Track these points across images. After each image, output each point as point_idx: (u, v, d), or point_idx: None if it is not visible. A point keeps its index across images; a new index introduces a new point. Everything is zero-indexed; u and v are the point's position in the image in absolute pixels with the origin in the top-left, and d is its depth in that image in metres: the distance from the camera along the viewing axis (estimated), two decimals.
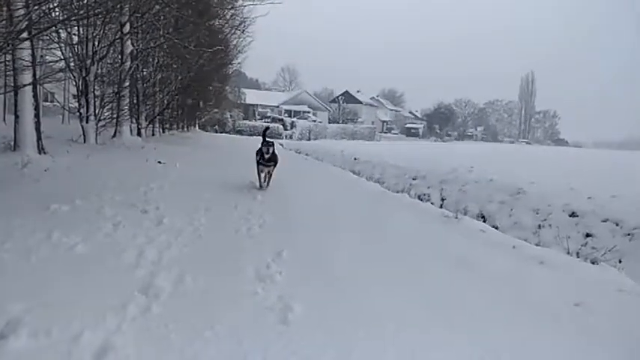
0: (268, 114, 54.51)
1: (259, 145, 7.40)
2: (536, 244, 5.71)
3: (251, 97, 55.89)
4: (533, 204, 7.11)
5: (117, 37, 12.37)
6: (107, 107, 12.68)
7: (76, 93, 12.36)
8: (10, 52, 7.28)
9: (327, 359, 2.35)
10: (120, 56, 13.09)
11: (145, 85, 16.51)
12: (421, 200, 8.66)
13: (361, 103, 69.40)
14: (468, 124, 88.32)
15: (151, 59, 16.62)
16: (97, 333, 2.35)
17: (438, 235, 5.45)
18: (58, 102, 18.38)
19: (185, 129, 27.22)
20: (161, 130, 20.52)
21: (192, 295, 2.96)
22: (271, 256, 3.85)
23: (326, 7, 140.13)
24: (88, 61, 11.37)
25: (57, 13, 8.62)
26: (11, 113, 9.32)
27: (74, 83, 12.11)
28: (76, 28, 10.96)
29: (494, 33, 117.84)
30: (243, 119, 48.45)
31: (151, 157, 10.33)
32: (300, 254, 4.04)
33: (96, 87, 11.95)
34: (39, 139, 8.79)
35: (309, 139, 40.03)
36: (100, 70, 12.09)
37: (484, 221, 7.04)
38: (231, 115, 45.00)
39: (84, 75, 11.41)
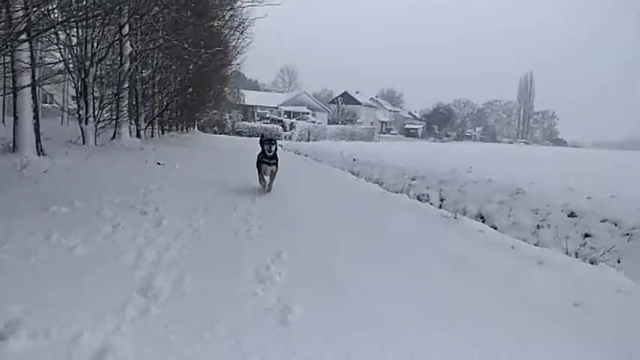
0: (267, 115, 54.52)
1: (260, 150, 7.11)
2: (535, 245, 5.71)
3: (250, 98, 55.92)
4: (532, 204, 7.12)
5: (116, 38, 12.38)
6: (106, 109, 12.68)
7: (75, 94, 12.34)
8: (9, 53, 7.29)
9: None
10: (119, 58, 13.08)
11: (144, 86, 16.51)
12: (420, 201, 8.66)
13: (360, 104, 69.49)
14: (467, 125, 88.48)
15: (150, 60, 16.61)
16: (96, 334, 2.35)
17: (437, 235, 5.45)
18: (57, 103, 18.43)
19: (184, 130, 27.22)
20: (160, 132, 20.51)
21: (191, 297, 2.96)
22: (270, 258, 3.85)
23: (325, 8, 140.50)
24: (87, 63, 11.37)
25: (56, 15, 8.62)
26: (10, 115, 9.34)
27: (73, 85, 12.12)
28: (75, 29, 10.94)
29: (493, 33, 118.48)
30: (243, 120, 48.44)
31: (150, 159, 10.34)
32: (300, 255, 4.04)
33: (95, 88, 11.94)
34: (38, 140, 8.79)
35: (308, 140, 40.04)
36: (99, 72, 12.09)
37: (483, 221, 7.04)
38: (230, 117, 44.98)
39: (83, 76, 11.41)
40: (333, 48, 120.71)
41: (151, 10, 13.03)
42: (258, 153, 7.21)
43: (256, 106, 57.25)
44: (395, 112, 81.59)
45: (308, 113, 57.78)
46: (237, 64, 29.66)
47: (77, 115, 11.90)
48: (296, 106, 59.12)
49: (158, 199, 5.98)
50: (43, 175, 6.92)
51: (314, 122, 51.95)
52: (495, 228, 6.62)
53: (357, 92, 71.94)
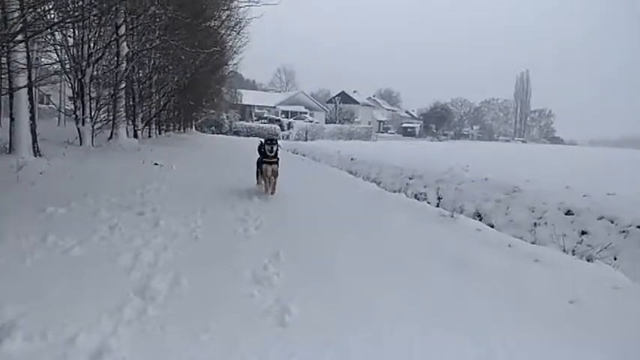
0: (265, 115, 54.48)
1: (260, 157, 6.85)
2: (532, 242, 5.74)
3: (248, 97, 55.82)
4: (529, 202, 7.13)
5: (112, 38, 12.34)
6: (103, 109, 12.64)
7: (71, 95, 12.32)
8: (5, 54, 7.26)
9: None
10: (116, 58, 13.06)
11: (141, 86, 16.47)
12: (418, 199, 8.67)
13: (358, 103, 69.47)
14: (464, 124, 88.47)
15: (146, 61, 16.57)
16: (92, 336, 2.35)
17: (435, 234, 5.45)
18: (53, 104, 18.35)
19: (182, 130, 27.19)
20: (157, 132, 20.49)
21: (188, 298, 2.96)
22: (268, 258, 3.85)
23: (325, 8, 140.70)
24: (84, 63, 11.34)
25: (52, 16, 8.59)
26: (7, 116, 9.28)
27: (70, 85, 12.09)
28: (72, 30, 10.91)
29: (492, 33, 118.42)
30: (240, 120, 48.37)
31: (148, 159, 10.32)
32: (297, 255, 4.04)
33: (92, 89, 11.91)
34: (34, 141, 8.77)
35: (305, 140, 39.97)
36: (95, 72, 12.05)
37: (480, 220, 7.06)
38: (227, 116, 44.92)
39: (79, 77, 11.38)
40: (332, 48, 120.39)
41: (147, 10, 12.99)
42: (258, 158, 6.95)
43: (254, 105, 57.17)
44: (392, 111, 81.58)
45: (305, 113, 57.73)
46: (235, 64, 29.58)
47: (74, 115, 11.87)
48: (293, 106, 59.07)
49: (155, 199, 5.97)
50: (40, 176, 6.90)
51: (311, 122, 51.91)
52: (492, 226, 6.64)
53: (354, 92, 71.92)
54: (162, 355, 2.27)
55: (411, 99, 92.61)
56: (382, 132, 67.99)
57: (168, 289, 3.05)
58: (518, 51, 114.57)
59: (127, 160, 10.27)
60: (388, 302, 3.12)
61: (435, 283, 3.64)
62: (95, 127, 12.01)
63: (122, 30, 12.51)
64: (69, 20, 8.34)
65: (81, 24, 10.13)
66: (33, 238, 3.83)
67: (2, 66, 7.71)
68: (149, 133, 18.79)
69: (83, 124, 11.53)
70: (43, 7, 7.02)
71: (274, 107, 58.10)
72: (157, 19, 14.10)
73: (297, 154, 20.47)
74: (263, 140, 6.97)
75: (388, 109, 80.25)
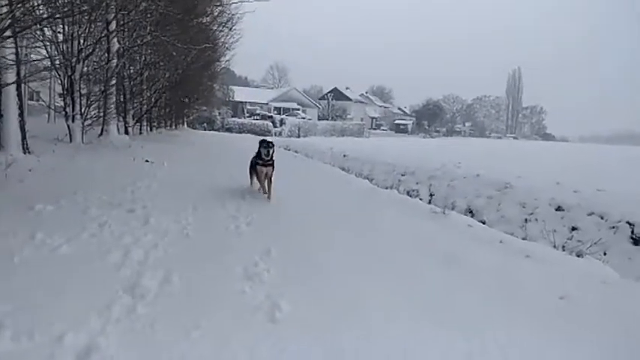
0: (257, 111, 54.29)
1: (255, 156, 6.62)
2: (524, 238, 5.77)
3: (240, 94, 55.63)
4: (520, 198, 7.17)
5: (103, 34, 12.22)
6: (94, 106, 12.52)
7: (61, 92, 12.19)
8: None
9: (315, 357, 2.35)
10: (106, 54, 12.93)
11: (132, 83, 16.34)
12: (410, 196, 8.69)
13: (350, 100, 69.51)
14: (457, 120, 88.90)
15: (137, 57, 16.44)
16: (80, 334, 2.32)
17: (426, 230, 5.46)
18: (43, 101, 18.18)
19: (173, 127, 27.04)
20: (149, 129, 20.36)
21: (178, 295, 2.94)
22: (259, 255, 3.84)
23: (320, 5, 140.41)
24: (74, 60, 11.22)
25: (41, 11, 8.49)
26: None
27: (60, 82, 11.96)
28: (61, 25, 10.79)
29: (492, 33, 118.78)
30: (232, 117, 48.19)
31: (139, 156, 10.25)
32: (289, 252, 4.03)
33: (82, 85, 11.79)
34: (24, 138, 8.66)
35: (298, 137, 39.97)
36: (86, 69, 11.93)
37: (472, 216, 7.09)
38: (219, 113, 44.74)
39: (69, 73, 11.26)
40: (329, 47, 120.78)
41: (138, 6, 12.87)
42: (252, 158, 6.76)
43: (246, 102, 57.00)
44: (385, 108, 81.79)
45: (298, 109, 57.62)
46: (227, 61, 29.46)
47: (64, 112, 11.74)
48: (286, 103, 58.96)
49: (146, 197, 5.93)
50: (29, 173, 6.83)
51: (304, 118, 51.83)
52: (484, 222, 6.67)
53: (347, 88, 71.92)
54: (152, 353, 2.25)
55: (404, 96, 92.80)
56: (375, 129, 68.15)
57: (159, 286, 3.03)
58: (513, 50, 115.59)
59: (118, 157, 10.20)
60: (379, 298, 3.12)
61: (426, 279, 3.65)
62: (85, 123, 11.89)
63: (113, 26, 12.39)
64: (58, 16, 8.25)
65: (71, 19, 10.03)
66: (21, 235, 3.78)
67: None
68: (140, 129, 18.66)
69: (73, 121, 11.41)
70: (31, 2, 6.95)
71: (266, 104, 57.96)
72: (148, 15, 14.00)
73: (289, 150, 20.43)
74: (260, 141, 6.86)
75: (381, 106, 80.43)
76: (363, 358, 2.39)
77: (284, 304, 2.84)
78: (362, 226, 5.46)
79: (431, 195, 8.89)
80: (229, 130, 42.37)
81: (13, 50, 8.06)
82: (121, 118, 15.62)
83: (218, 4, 19.65)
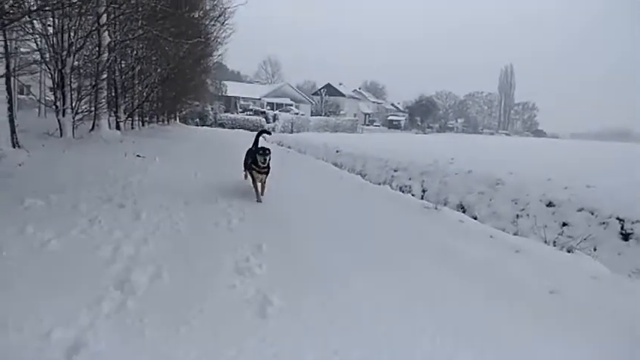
0: (250, 107, 54.12)
1: (252, 147, 6.57)
2: (515, 234, 5.81)
3: (233, 89, 55.43)
4: (511, 194, 7.20)
5: (94, 28, 12.09)
6: (84, 100, 12.42)
7: (52, 86, 12.07)
8: None
9: (304, 351, 2.34)
10: (97, 48, 12.81)
11: (123, 77, 16.23)
12: (403, 192, 8.71)
13: (343, 95, 69.49)
14: (449, 116, 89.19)
15: (129, 51, 16.33)
16: (69, 330, 2.30)
17: (418, 226, 5.48)
18: (33, 95, 17.99)
19: (165, 122, 26.93)
20: (140, 124, 20.25)
21: (169, 290, 2.93)
22: (251, 250, 3.82)
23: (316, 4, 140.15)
24: (64, 53, 11.11)
25: (31, 3, 8.38)
26: None
27: (50, 75, 11.84)
28: (51, 18, 10.67)
29: (480, 29, 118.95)
30: (225, 112, 48.04)
31: (130, 151, 10.18)
32: (280, 247, 4.02)
33: (72, 79, 11.69)
34: (13, 132, 8.56)
35: (291, 132, 39.86)
36: (76, 62, 11.81)
37: (464, 212, 7.12)
38: (212, 108, 44.57)
39: (60, 67, 11.15)
40: (318, 41, 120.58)
41: (129, 0, 12.77)
42: (247, 151, 6.67)
43: (239, 97, 56.80)
44: (378, 104, 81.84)
45: (291, 105, 57.52)
46: (219, 55, 29.34)
47: (54, 106, 11.64)
48: (279, 98, 58.82)
49: (137, 192, 5.89)
50: (18, 168, 6.76)
51: (297, 114, 51.73)
52: (475, 218, 6.70)
53: (340, 84, 71.89)
54: (141, 348, 2.24)
55: (397, 92, 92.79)
56: (368, 124, 68.23)
57: (149, 281, 3.01)
58: (505, 47, 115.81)
59: (109, 152, 10.13)
60: (370, 293, 3.13)
61: (417, 273, 3.66)
62: (76, 118, 11.79)
63: (104, 19, 12.26)
64: (48, 8, 8.13)
65: (61, 12, 9.91)
66: (10, 230, 3.74)
67: None
68: (132, 124, 18.55)
69: (64, 115, 11.30)
70: None
71: (259, 99, 57.78)
72: (140, 9, 13.86)
73: (282, 146, 20.40)
74: (258, 132, 6.85)
75: (374, 102, 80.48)
76: (352, 350, 2.39)
77: (275, 299, 2.84)
78: (355, 222, 5.47)
79: (423, 191, 8.91)
80: (222, 125, 42.25)
81: (2, 43, 7.97)
82: (112, 113, 15.51)
83: None
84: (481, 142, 28.44)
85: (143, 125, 20.53)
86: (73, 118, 11.61)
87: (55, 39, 11.02)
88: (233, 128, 39.22)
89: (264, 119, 44.76)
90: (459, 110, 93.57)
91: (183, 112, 35.36)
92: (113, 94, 15.42)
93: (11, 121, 8.49)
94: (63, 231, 3.87)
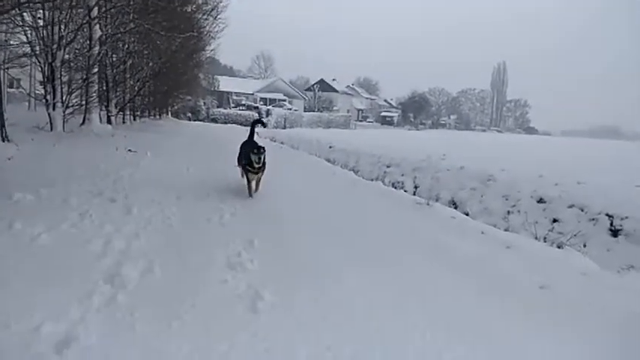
0: (243, 102, 53.86)
1: (247, 141, 6.43)
2: (506, 230, 5.83)
3: (225, 84, 55.15)
4: (503, 190, 7.23)
5: (85, 21, 11.98)
6: (75, 94, 12.33)
7: (42, 79, 11.95)
8: None
9: (297, 347, 2.34)
10: (88, 41, 12.69)
11: (114, 71, 16.10)
12: (395, 188, 8.72)
13: (337, 91, 69.42)
14: (442, 113, 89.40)
15: (120, 45, 16.21)
16: (59, 324, 2.29)
17: (411, 222, 5.49)
18: (23, 88, 17.80)
19: (157, 117, 26.76)
20: (132, 118, 20.13)
21: (160, 285, 2.92)
22: (243, 245, 3.82)
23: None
24: (55, 46, 10.99)
25: None
26: None
27: (40, 69, 11.72)
28: (41, 11, 10.55)
29: (473, 26, 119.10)
30: (218, 107, 47.80)
31: (121, 146, 10.12)
32: (272, 242, 4.02)
33: (63, 73, 11.58)
34: (2, 126, 8.48)
35: (284, 128, 39.77)
36: (67, 56, 11.72)
37: (456, 208, 7.14)
38: (204, 103, 44.34)
39: (50, 60, 11.04)
40: (311, 36, 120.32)
41: None
42: (242, 144, 6.52)
43: (231, 92, 56.53)
44: (371, 100, 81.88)
45: (284, 100, 57.34)
46: (212, 50, 29.23)
47: (44, 100, 11.53)
48: (272, 93, 58.64)
49: (128, 186, 5.86)
50: (8, 162, 6.70)
51: (290, 109, 51.56)
52: (467, 214, 6.72)
53: (333, 80, 71.76)
54: (132, 342, 2.22)
55: (390, 88, 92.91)
56: (361, 120, 68.26)
57: (140, 276, 2.99)
58: (499, 44, 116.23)
59: (100, 146, 10.05)
60: (362, 288, 3.13)
61: (409, 269, 3.67)
62: (67, 112, 11.70)
63: (95, 12, 12.15)
64: (38, 0, 8.04)
65: (51, 4, 9.79)
66: None
67: None
68: (123, 119, 18.44)
69: (54, 109, 11.20)
70: None
71: (252, 94, 57.54)
72: (131, 2, 13.76)
73: (275, 141, 20.35)
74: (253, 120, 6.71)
75: (367, 98, 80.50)
76: (345, 345, 2.39)
77: (266, 294, 2.83)
78: (347, 218, 5.47)
79: (415, 187, 8.92)
80: (214, 120, 42.05)
81: None
82: (103, 107, 15.39)
83: None
84: (473, 138, 28.60)
85: (135, 120, 20.41)
86: (64, 111, 11.51)
87: (45, 32, 10.89)
88: (226, 123, 39.02)
89: (257, 114, 44.61)
90: (451, 107, 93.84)
91: (176, 107, 35.17)
92: (104, 87, 15.31)
93: (0, 114, 8.41)
94: (53, 225, 3.84)
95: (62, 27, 11.02)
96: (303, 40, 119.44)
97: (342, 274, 3.38)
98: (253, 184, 6.09)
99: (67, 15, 10.97)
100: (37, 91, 15.89)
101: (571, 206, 6.15)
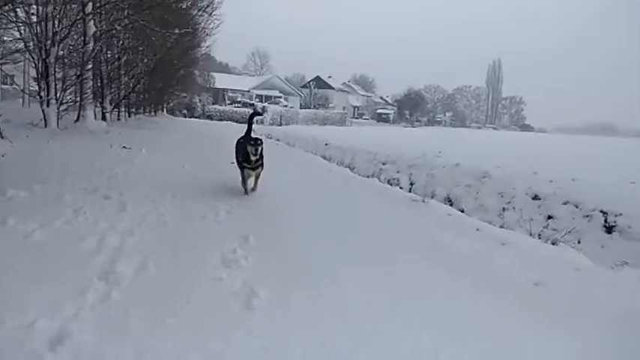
0: (239, 99, 53.82)
1: (243, 136, 6.20)
2: (501, 226, 5.84)
3: (221, 81, 54.99)
4: (498, 187, 7.25)
5: (79, 17, 11.90)
6: (69, 90, 12.26)
7: (36, 75, 11.88)
8: None
9: (293, 345, 2.34)
10: (82, 37, 12.61)
11: (109, 67, 16.02)
12: (391, 185, 8.72)
13: (333, 88, 69.39)
14: (438, 110, 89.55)
15: (115, 41, 16.10)
16: (53, 321, 2.28)
17: (407, 219, 5.49)
18: (17, 85, 17.69)
19: (152, 113, 26.66)
20: (127, 115, 20.04)
21: (154, 282, 2.91)
22: (237, 242, 3.80)
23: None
24: (48, 42, 10.92)
25: None
26: None
27: (34, 65, 11.65)
28: (35, 6, 10.47)
29: (469, 24, 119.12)
30: (213, 104, 47.70)
31: (116, 142, 10.07)
32: (267, 240, 4.01)
33: (57, 69, 11.51)
34: None
35: (280, 125, 39.71)
36: (61, 52, 11.63)
37: (451, 204, 7.15)
38: (200, 100, 44.25)
39: (44, 56, 10.97)
40: (307, 32, 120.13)
41: None
42: (237, 141, 6.31)
43: (227, 89, 56.40)
44: (367, 97, 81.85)
45: (280, 97, 57.25)
46: (207, 47, 29.11)
47: (38, 96, 11.46)
48: (268, 90, 58.53)
49: (123, 183, 5.84)
50: (1, 158, 6.66)
51: (286, 106, 51.48)
52: (463, 211, 6.73)
53: (329, 77, 71.73)
54: (125, 340, 2.21)
55: (386, 85, 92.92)
56: (357, 117, 68.24)
57: (134, 273, 2.98)
58: (494, 41, 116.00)
59: (94, 143, 10.01)
60: (358, 286, 3.13)
61: (404, 266, 3.66)
62: (61, 108, 11.63)
63: (89, 8, 12.07)
64: None
65: (44, 0, 9.73)
66: None
67: None
68: (118, 115, 18.37)
69: (48, 106, 11.14)
70: None
71: (248, 91, 57.46)
72: None
73: (271, 138, 20.32)
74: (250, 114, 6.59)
75: (363, 95, 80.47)
76: (342, 344, 2.39)
77: (261, 291, 2.83)
78: (343, 215, 5.46)
79: (411, 184, 8.93)
80: (210, 117, 42.00)
81: None
82: (98, 104, 15.32)
83: None
84: (469, 135, 28.65)
85: (129, 116, 20.34)
86: (58, 108, 11.45)
87: (39, 27, 10.82)
88: (221, 120, 39.01)
89: (252, 111, 44.53)
90: (447, 104, 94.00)
91: (171, 104, 35.11)
92: (99, 84, 15.24)
93: None
94: (47, 222, 3.82)
95: (56, 23, 10.94)
96: (302, 39, 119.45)
97: (338, 272, 3.36)
98: (250, 181, 5.95)
99: (60, 11, 10.90)
100: (31, 88, 15.76)
101: (565, 203, 6.17)
